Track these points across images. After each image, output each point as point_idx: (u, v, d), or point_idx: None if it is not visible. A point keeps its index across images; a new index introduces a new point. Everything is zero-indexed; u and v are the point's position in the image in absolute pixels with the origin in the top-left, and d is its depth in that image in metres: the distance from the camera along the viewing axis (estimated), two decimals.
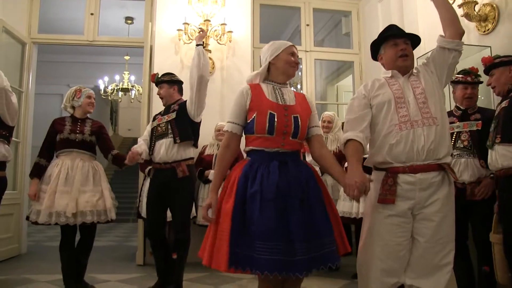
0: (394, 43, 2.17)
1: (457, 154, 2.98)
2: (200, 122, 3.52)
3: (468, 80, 3.02)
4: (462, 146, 2.97)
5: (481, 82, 3.07)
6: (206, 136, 4.57)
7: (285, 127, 1.98)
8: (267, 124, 1.96)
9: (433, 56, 2.16)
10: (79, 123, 3.46)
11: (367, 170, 2.10)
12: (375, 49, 2.30)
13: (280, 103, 2.04)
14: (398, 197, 2.00)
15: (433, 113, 2.03)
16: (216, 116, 5.01)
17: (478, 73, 3.03)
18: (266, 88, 2.08)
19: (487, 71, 2.78)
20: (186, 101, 3.47)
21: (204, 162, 4.58)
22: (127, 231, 8.12)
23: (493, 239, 2.70)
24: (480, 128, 2.91)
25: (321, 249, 1.86)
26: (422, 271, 2.00)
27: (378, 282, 2.01)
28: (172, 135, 3.35)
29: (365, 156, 2.16)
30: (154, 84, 4.85)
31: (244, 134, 2.09)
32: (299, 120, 2.02)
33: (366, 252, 2.09)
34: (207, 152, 4.62)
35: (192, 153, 3.49)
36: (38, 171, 3.32)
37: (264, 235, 1.78)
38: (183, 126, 3.37)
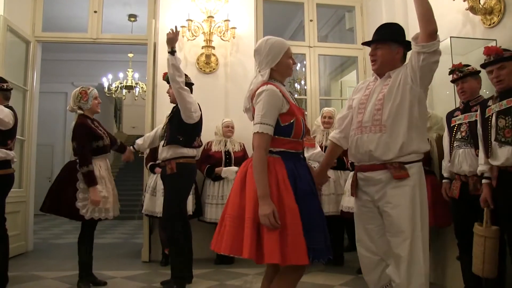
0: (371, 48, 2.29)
1: (457, 145, 3.03)
2: (199, 121, 3.54)
3: (455, 77, 3.10)
4: (460, 137, 3.01)
5: (477, 72, 3.02)
6: (209, 131, 4.58)
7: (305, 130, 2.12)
8: (303, 129, 2.07)
9: (410, 58, 2.16)
10: (98, 125, 3.62)
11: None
12: None
13: (299, 106, 2.14)
14: (359, 191, 2.28)
15: (384, 120, 2.12)
16: (221, 112, 5.01)
17: (462, 67, 3.04)
18: (286, 91, 2.09)
19: (496, 62, 2.65)
20: None
21: (212, 159, 4.53)
22: (133, 228, 8.14)
23: (485, 233, 2.69)
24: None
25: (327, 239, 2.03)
26: (391, 261, 2.14)
27: (364, 258, 2.28)
28: (166, 137, 3.53)
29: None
30: (156, 82, 4.89)
31: (276, 135, 2.00)
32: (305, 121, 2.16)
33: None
34: (214, 149, 4.58)
35: (186, 151, 3.46)
36: (95, 179, 3.37)
37: (321, 228, 1.98)
38: (172, 130, 3.48)
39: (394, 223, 2.09)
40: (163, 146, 3.50)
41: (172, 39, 3.36)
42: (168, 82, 3.56)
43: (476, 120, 2.90)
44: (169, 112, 3.63)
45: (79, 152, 3.36)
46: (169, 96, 3.61)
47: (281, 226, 1.86)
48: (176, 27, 3.46)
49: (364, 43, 2.43)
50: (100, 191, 3.36)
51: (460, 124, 3.05)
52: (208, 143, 4.63)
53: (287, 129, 2.00)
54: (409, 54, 2.22)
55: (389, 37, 2.25)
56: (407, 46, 2.25)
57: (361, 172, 2.24)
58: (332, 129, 4.45)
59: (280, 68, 2.09)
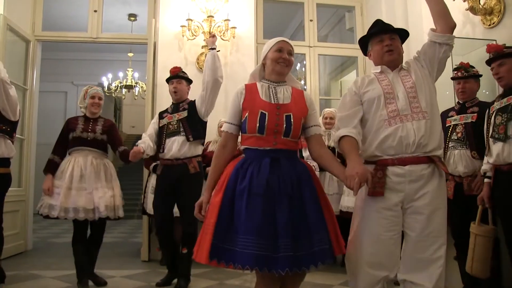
0: (380, 39, 2.16)
1: (452, 146, 3.05)
2: (207, 121, 3.57)
3: (459, 75, 3.10)
4: (456, 138, 3.03)
5: (480, 75, 3.09)
6: (209, 132, 4.60)
7: (276, 126, 1.97)
8: (258, 124, 1.96)
9: (424, 50, 2.15)
10: (91, 122, 3.55)
11: None
12: (364, 46, 2.30)
13: (273, 102, 2.03)
14: (388, 190, 1.99)
15: (423, 107, 2.02)
16: (221, 112, 4.98)
17: (469, 67, 3.06)
18: (261, 88, 2.08)
19: (496, 59, 2.69)
20: (194, 100, 3.58)
21: (206, 158, 4.55)
22: (132, 227, 8.15)
23: (477, 231, 2.70)
24: (474, 120, 2.94)
25: (311, 247, 1.83)
26: (414, 266, 1.98)
27: (366, 275, 2.00)
28: (184, 133, 3.46)
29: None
30: (156, 82, 4.89)
31: (241, 133, 2.10)
32: (292, 119, 2.00)
33: (355, 245, 2.07)
34: (210, 148, 4.61)
35: (200, 150, 3.55)
36: (52, 167, 3.41)
37: (248, 230, 1.78)
38: (194, 124, 3.49)
39: (434, 227, 1.97)
40: (186, 141, 3.44)
41: (215, 40, 3.58)
42: (176, 78, 3.61)
43: (472, 122, 2.95)
44: (164, 109, 3.68)
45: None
46: (175, 92, 3.60)
47: (204, 223, 1.93)
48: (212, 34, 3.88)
49: (388, 30, 2.19)
50: (56, 182, 3.32)
51: (455, 125, 3.07)
52: (207, 143, 4.64)
53: (243, 124, 2.03)
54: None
55: (399, 32, 2.22)
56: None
57: (399, 166, 1.98)
58: (334, 129, 4.44)
59: (268, 62, 2.11)
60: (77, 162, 3.38)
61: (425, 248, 1.97)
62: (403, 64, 2.18)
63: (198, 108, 3.52)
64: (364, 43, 2.29)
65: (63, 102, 10.75)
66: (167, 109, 3.69)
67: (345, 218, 4.03)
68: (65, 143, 3.49)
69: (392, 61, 2.15)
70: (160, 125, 3.59)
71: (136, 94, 10.04)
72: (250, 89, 2.08)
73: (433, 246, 1.97)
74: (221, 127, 4.59)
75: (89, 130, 3.48)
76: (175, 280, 3.54)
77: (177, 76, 3.64)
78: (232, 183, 1.91)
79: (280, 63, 2.07)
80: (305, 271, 1.87)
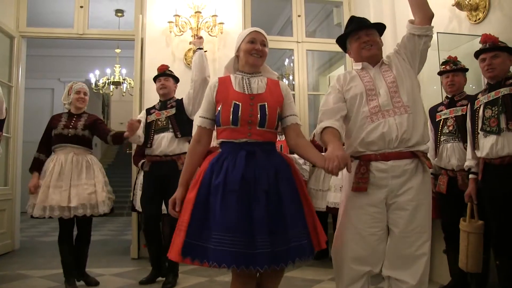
0: (357, 36, 2.15)
1: (444, 139, 3.07)
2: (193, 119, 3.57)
3: (447, 69, 3.12)
4: (447, 131, 3.06)
5: (466, 69, 3.12)
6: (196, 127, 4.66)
7: (250, 117, 1.93)
8: (231, 115, 1.92)
9: (404, 43, 2.14)
10: (74, 118, 3.50)
11: None
12: (343, 44, 2.29)
13: (246, 92, 1.99)
14: (371, 186, 1.99)
15: (405, 101, 2.01)
16: None
17: (457, 61, 3.10)
18: (234, 79, 2.05)
19: (492, 49, 2.68)
20: (181, 99, 3.60)
21: None
22: (121, 224, 8.11)
23: (468, 228, 2.73)
24: (465, 113, 2.95)
25: (288, 243, 1.79)
26: (399, 262, 1.99)
27: (350, 270, 2.01)
28: (172, 130, 3.48)
29: None
30: (144, 78, 4.86)
31: (216, 127, 2.06)
32: (266, 108, 1.95)
33: (340, 240, 2.08)
34: None
35: (187, 147, 3.51)
36: (37, 166, 3.39)
37: (224, 227, 1.73)
38: (182, 122, 3.51)
39: (417, 223, 1.96)
40: (174, 138, 3.46)
41: (202, 41, 3.59)
42: (163, 76, 3.64)
43: (462, 115, 2.95)
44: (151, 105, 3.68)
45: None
46: (162, 89, 3.62)
47: (178, 221, 1.89)
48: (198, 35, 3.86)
49: (363, 26, 2.16)
50: (40, 185, 3.29)
51: (446, 119, 3.08)
52: None
53: (217, 117, 2.00)
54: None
55: (376, 26, 2.20)
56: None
57: (382, 161, 1.98)
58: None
59: (241, 54, 2.09)
60: (59, 160, 3.34)
61: (409, 244, 1.97)
62: (384, 58, 2.16)
63: (186, 106, 3.54)
64: (342, 42, 2.27)
65: (50, 99, 10.62)
66: (154, 106, 3.70)
67: (332, 214, 4.08)
68: (49, 140, 3.45)
69: (371, 56, 2.14)
70: (148, 121, 3.59)
71: (124, 90, 9.95)
72: (224, 82, 2.06)
73: (417, 242, 1.97)
74: None
75: (71, 126, 3.43)
76: (160, 278, 3.56)
77: (164, 73, 3.67)
78: (207, 179, 1.86)
79: (253, 55, 2.04)
80: (283, 267, 1.83)
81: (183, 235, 1.79)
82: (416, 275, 1.96)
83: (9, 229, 4.96)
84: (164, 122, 3.52)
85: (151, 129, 3.54)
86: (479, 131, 2.67)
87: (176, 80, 3.75)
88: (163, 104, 3.62)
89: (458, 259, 3.03)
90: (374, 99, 2.05)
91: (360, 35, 2.14)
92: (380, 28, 2.21)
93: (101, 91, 10.01)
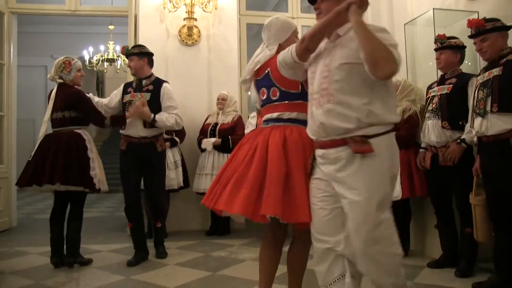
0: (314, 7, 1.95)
1: (427, 116, 3.15)
2: None
3: (435, 48, 3.15)
4: (430, 109, 3.13)
5: (459, 46, 3.09)
6: (192, 103, 4.85)
7: None
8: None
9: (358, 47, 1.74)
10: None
11: None
12: None
13: None
14: (316, 168, 1.90)
15: (332, 89, 1.78)
16: (204, 84, 4.99)
17: (444, 39, 3.08)
18: None
19: (477, 35, 2.69)
20: (161, 82, 3.58)
21: (202, 131, 4.70)
22: (118, 201, 8.14)
23: (473, 201, 2.80)
24: (449, 92, 3.01)
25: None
26: (354, 249, 1.78)
27: (314, 246, 1.93)
28: None
29: None
30: None
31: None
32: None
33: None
34: (208, 121, 4.71)
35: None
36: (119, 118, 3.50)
37: None
38: (156, 110, 3.46)
39: (360, 212, 1.73)
40: (142, 121, 3.45)
41: (143, 111, 3.40)
42: (127, 57, 3.66)
43: (446, 93, 3.02)
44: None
45: (94, 115, 3.40)
46: (131, 69, 3.61)
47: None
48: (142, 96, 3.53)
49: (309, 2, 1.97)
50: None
51: (433, 96, 3.15)
52: (208, 115, 4.79)
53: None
54: None
55: None
56: None
57: (318, 148, 1.88)
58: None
59: (288, 45, 2.10)
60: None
61: (355, 234, 1.76)
62: (339, 30, 1.84)
63: (162, 103, 3.52)
64: None
65: (44, 76, 10.52)
66: (132, 82, 3.65)
67: None
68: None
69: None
70: (124, 101, 3.56)
71: (118, 67, 9.86)
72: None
73: (363, 230, 1.73)
74: (217, 99, 4.66)
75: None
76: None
77: (126, 55, 3.63)
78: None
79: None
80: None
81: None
82: (370, 267, 1.76)
83: (6, 207, 4.98)
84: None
85: (125, 110, 3.49)
86: (473, 111, 2.74)
87: (142, 55, 3.56)
88: (139, 84, 3.56)
89: (450, 236, 3.16)
90: (312, 83, 1.92)
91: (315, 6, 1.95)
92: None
93: (95, 68, 9.92)
